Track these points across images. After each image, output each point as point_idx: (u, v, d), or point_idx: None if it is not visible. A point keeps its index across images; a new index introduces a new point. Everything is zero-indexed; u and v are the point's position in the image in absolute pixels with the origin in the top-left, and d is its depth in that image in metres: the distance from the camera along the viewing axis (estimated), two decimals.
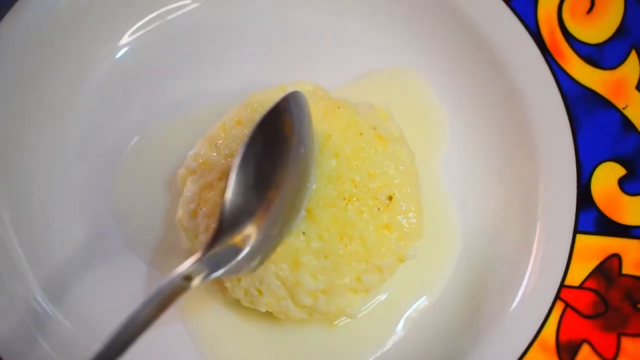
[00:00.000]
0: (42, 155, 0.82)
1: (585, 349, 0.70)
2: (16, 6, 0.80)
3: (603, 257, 0.73)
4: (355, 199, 0.69)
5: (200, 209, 0.72)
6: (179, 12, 0.88)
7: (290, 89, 0.73)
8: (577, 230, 0.74)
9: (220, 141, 0.73)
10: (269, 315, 0.74)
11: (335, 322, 0.77)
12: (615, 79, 0.78)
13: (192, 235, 0.73)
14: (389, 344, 0.76)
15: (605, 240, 0.74)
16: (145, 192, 0.82)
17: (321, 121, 0.71)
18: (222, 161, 0.72)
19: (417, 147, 0.77)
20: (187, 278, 0.55)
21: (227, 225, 0.59)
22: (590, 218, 0.74)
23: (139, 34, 0.87)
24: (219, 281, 0.74)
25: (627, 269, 0.73)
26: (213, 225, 0.65)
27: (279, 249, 0.67)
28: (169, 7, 0.88)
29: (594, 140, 0.76)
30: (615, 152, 0.76)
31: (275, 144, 0.61)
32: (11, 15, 0.80)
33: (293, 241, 0.68)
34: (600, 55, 0.79)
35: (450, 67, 0.86)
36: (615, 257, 0.73)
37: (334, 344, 0.76)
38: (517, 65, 0.80)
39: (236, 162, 0.59)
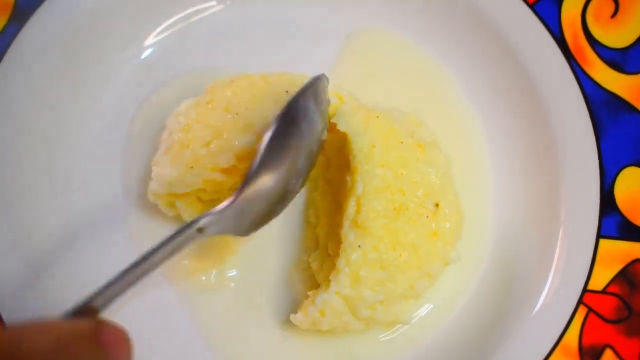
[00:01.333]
0: (65, 155, 0.83)
1: (608, 354, 0.70)
2: (42, 7, 0.81)
3: (626, 262, 0.73)
4: (405, 208, 0.68)
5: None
6: (204, 14, 0.89)
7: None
8: (600, 235, 0.74)
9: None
10: (288, 324, 0.74)
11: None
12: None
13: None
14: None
15: (629, 245, 0.73)
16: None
17: (363, 132, 0.71)
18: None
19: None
20: (200, 230, 0.59)
21: (248, 185, 0.62)
22: (614, 223, 0.74)
23: (164, 35, 0.88)
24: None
25: None
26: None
27: (337, 269, 0.68)
28: (194, 8, 0.89)
29: (617, 145, 0.76)
30: (639, 157, 0.76)
31: (297, 121, 0.67)
32: (37, 17, 0.81)
33: (349, 255, 0.67)
34: (624, 60, 0.78)
35: (473, 70, 0.87)
36: (639, 263, 0.73)
37: (360, 349, 0.76)
38: (540, 70, 0.80)
39: (268, 135, 0.63)
